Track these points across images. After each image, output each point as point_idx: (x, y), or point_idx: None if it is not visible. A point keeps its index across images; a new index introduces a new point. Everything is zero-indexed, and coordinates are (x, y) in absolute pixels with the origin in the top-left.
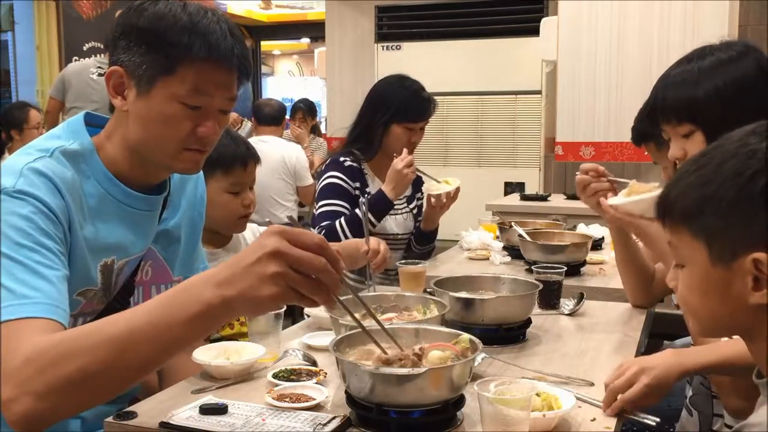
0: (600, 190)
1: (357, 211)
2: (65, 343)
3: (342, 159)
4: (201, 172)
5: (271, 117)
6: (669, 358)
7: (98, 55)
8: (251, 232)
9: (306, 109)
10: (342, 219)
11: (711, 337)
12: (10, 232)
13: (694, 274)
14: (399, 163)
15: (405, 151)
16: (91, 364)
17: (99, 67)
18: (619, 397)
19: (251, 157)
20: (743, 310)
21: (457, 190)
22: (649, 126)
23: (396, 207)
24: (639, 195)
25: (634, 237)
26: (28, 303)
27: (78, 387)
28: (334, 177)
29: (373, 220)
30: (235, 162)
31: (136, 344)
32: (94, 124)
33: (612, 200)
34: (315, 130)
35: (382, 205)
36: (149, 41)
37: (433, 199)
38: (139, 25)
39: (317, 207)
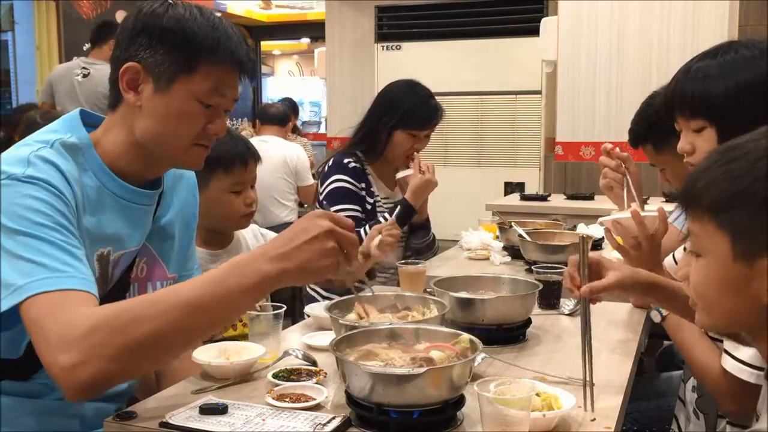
0: (612, 179)
1: (381, 219)
2: (133, 309)
3: (346, 161)
4: (192, 174)
5: (276, 117)
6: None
7: (87, 56)
8: (252, 233)
9: (289, 107)
10: (367, 228)
11: (720, 332)
12: (28, 213)
13: (713, 266)
14: (433, 177)
15: (417, 156)
16: (164, 327)
17: (84, 68)
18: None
19: (251, 156)
20: (758, 309)
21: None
22: (657, 121)
23: (395, 204)
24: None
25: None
26: (64, 276)
27: (148, 349)
28: (341, 180)
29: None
30: (235, 161)
31: (203, 308)
32: (88, 123)
33: (604, 219)
34: (295, 130)
35: (408, 213)
36: (173, 41)
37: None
38: (163, 25)
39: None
